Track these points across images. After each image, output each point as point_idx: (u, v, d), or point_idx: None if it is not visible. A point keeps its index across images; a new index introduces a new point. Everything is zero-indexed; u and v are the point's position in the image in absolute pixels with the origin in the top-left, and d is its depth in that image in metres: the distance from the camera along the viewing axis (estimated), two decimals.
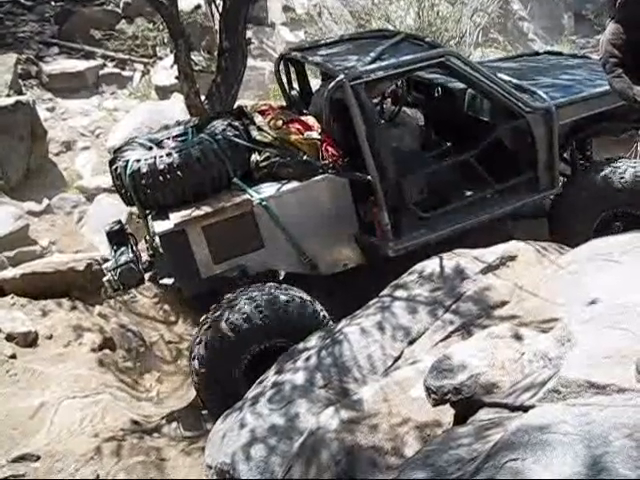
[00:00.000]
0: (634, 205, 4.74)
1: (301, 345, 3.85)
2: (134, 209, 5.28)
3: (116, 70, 10.05)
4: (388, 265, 4.57)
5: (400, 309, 3.71)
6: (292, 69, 5.53)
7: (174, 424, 4.43)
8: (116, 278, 4.58)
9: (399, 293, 3.86)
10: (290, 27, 10.74)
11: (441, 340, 3.47)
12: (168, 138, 4.84)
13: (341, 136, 4.70)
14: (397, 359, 3.45)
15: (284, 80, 5.56)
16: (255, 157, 4.61)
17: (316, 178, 4.57)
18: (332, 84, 4.52)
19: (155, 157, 4.45)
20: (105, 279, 4.66)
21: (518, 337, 2.89)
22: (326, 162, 4.59)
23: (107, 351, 4.97)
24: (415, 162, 4.80)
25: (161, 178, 4.39)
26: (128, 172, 4.45)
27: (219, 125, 4.70)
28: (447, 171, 4.85)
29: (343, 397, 3.28)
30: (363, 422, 2.92)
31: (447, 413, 2.81)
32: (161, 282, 4.83)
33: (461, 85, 5.08)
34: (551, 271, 3.82)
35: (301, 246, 4.59)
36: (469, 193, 4.93)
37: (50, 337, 4.90)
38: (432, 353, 3.32)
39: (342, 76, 4.47)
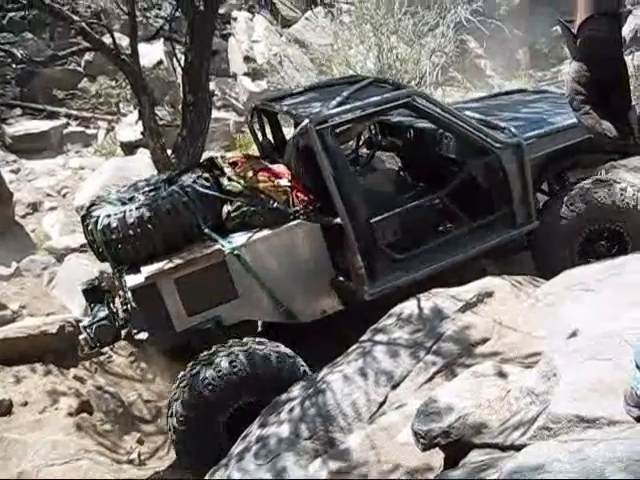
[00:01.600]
0: (614, 221, 4.71)
1: (284, 396, 3.79)
2: (107, 266, 5.21)
3: (80, 129, 10.05)
4: (368, 309, 4.51)
5: (381, 353, 3.67)
6: (265, 120, 5.55)
7: None
8: (92, 336, 4.50)
9: (379, 337, 3.82)
10: (252, 77, 10.83)
11: (425, 382, 3.43)
12: (139, 192, 4.80)
13: (311, 181, 4.70)
14: (382, 404, 3.39)
15: (257, 131, 5.59)
16: (227, 207, 4.59)
17: (287, 225, 4.54)
18: (297, 129, 4.54)
19: (125, 211, 4.42)
20: (81, 337, 4.57)
21: (502, 374, 2.87)
22: (297, 208, 4.58)
23: (84, 415, 4.86)
24: (387, 204, 4.77)
25: (131, 232, 4.36)
26: (99, 227, 4.42)
27: (189, 177, 4.68)
28: (421, 212, 4.82)
29: (330, 447, 3.21)
30: (352, 472, 2.88)
31: (437, 456, 2.77)
32: (136, 337, 4.75)
33: (432, 126, 5.11)
34: (528, 304, 3.82)
35: (276, 294, 4.54)
36: (445, 233, 4.91)
37: (25, 404, 4.79)
38: (417, 396, 3.28)
39: (307, 121, 4.49)
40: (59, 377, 5.13)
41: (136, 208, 4.44)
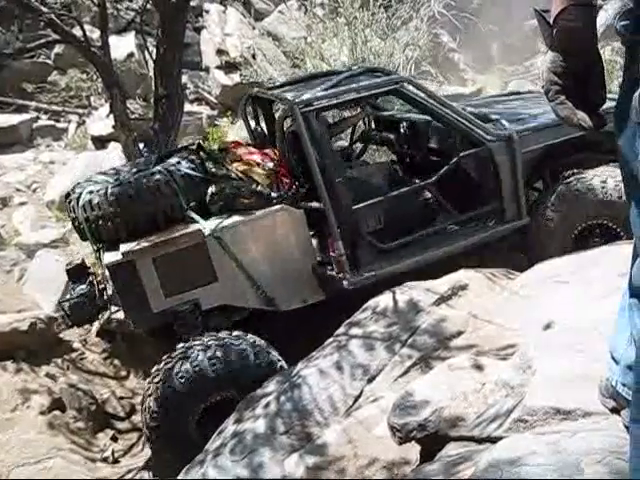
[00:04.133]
0: (601, 216, 4.60)
1: (259, 391, 3.76)
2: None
3: (50, 122, 9.92)
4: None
5: (357, 347, 3.65)
6: (259, 108, 5.50)
7: None
8: (68, 312, 4.45)
9: (354, 331, 3.81)
10: (225, 70, 10.76)
11: (400, 375, 3.42)
12: (125, 172, 4.72)
13: (298, 166, 4.66)
14: (358, 398, 3.38)
15: (250, 119, 5.56)
16: (211, 190, 4.52)
17: (270, 209, 4.48)
18: (282, 112, 4.50)
19: (107, 188, 4.35)
20: (58, 314, 4.51)
21: (478, 367, 2.86)
22: (280, 192, 4.53)
23: (57, 412, 4.80)
24: (374, 194, 4.67)
25: (112, 209, 4.30)
26: (80, 204, 4.36)
27: (174, 159, 4.63)
28: (407, 202, 4.75)
29: (307, 442, 3.19)
30: (329, 467, 2.86)
31: (414, 449, 2.76)
32: (113, 316, 4.69)
33: (425, 119, 5.05)
34: (503, 297, 3.83)
35: (256, 280, 4.48)
36: (432, 225, 4.80)
37: None
38: (393, 389, 3.27)
39: (292, 103, 4.44)
40: (30, 375, 5.06)
41: (118, 185, 4.37)
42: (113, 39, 7.56)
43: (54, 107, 10.12)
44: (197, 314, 4.37)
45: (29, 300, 6.10)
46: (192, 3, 8.39)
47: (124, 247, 4.27)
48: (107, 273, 4.36)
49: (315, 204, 4.51)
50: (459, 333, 3.56)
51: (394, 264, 4.57)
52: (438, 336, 3.54)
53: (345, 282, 4.46)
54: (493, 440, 2.27)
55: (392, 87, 4.64)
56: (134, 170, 4.68)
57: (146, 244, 4.26)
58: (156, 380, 4.04)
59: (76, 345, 5.59)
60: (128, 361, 5.52)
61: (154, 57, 6.12)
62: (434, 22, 9.83)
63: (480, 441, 2.37)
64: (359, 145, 5.95)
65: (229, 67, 10.70)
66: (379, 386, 3.42)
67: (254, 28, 11.72)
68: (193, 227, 4.37)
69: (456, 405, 2.59)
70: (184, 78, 8.48)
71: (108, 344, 5.63)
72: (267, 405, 3.55)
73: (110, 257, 4.28)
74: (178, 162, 4.56)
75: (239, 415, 3.67)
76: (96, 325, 5.60)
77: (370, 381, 3.46)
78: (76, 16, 7.79)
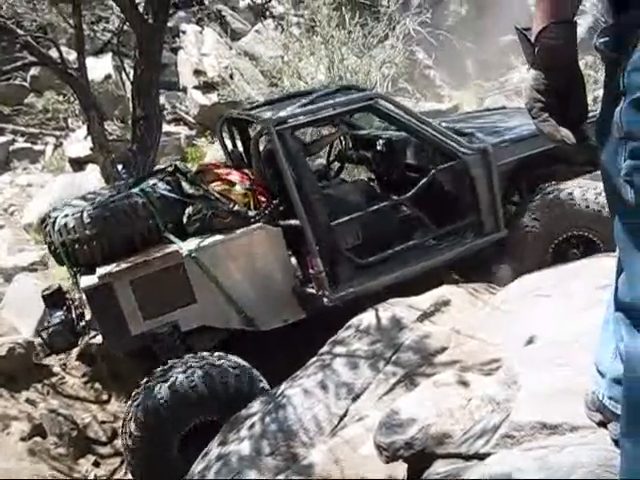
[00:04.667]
0: (580, 228, 4.59)
1: (244, 412, 3.72)
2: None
3: (27, 145, 9.86)
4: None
5: (341, 366, 3.63)
6: (235, 130, 5.51)
7: None
8: (47, 341, 4.39)
9: (338, 349, 3.79)
10: (202, 90, 10.76)
11: (385, 393, 3.40)
12: (101, 196, 4.68)
13: (274, 184, 4.65)
14: (343, 417, 3.36)
15: (226, 141, 5.56)
16: (188, 211, 4.50)
17: (247, 228, 4.46)
18: (257, 130, 4.50)
19: (82, 211, 4.32)
20: (37, 342, 4.45)
21: (463, 383, 2.85)
22: (257, 211, 4.51)
23: (38, 439, 4.71)
24: (351, 211, 4.67)
25: (87, 232, 4.26)
26: (56, 228, 4.32)
27: (151, 180, 4.61)
28: (385, 217, 4.75)
29: (292, 463, 3.16)
30: None
31: (401, 468, 2.74)
32: (91, 341, 4.63)
33: (401, 136, 5.07)
34: (485, 312, 3.84)
35: (235, 300, 4.44)
36: (410, 240, 4.78)
37: None
38: (378, 407, 3.25)
39: (266, 121, 4.45)
40: (10, 401, 4.97)
41: (94, 208, 4.34)
42: (90, 61, 7.55)
43: (31, 129, 10.06)
44: (176, 336, 4.33)
45: (7, 325, 6.02)
46: (169, 24, 8.39)
47: (101, 270, 4.22)
48: (84, 297, 4.31)
49: (293, 222, 4.50)
50: (443, 349, 3.55)
51: (373, 280, 4.56)
52: (422, 352, 3.54)
53: (325, 299, 4.44)
54: (481, 457, 2.27)
55: (366, 103, 4.64)
56: (111, 193, 4.65)
57: (123, 266, 4.22)
58: (136, 403, 3.98)
59: (56, 369, 5.51)
60: (109, 384, 5.44)
61: (131, 78, 6.12)
62: (410, 40, 9.92)
63: (468, 458, 2.35)
64: (336, 164, 5.97)
65: (207, 87, 10.72)
66: (364, 405, 3.40)
67: (231, 48, 11.75)
68: (171, 248, 4.34)
69: (442, 422, 2.58)
70: (162, 99, 8.49)
71: (88, 367, 5.55)
72: (252, 426, 3.51)
73: (87, 281, 4.23)
74: (154, 184, 4.53)
75: (223, 437, 3.63)
76: (76, 349, 5.53)
77: (355, 400, 3.44)
78: (52, 38, 7.76)
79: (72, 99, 9.60)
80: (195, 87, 10.90)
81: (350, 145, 5.78)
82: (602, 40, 1.59)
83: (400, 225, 4.90)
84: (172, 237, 4.39)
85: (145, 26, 5.85)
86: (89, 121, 5.95)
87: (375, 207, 4.68)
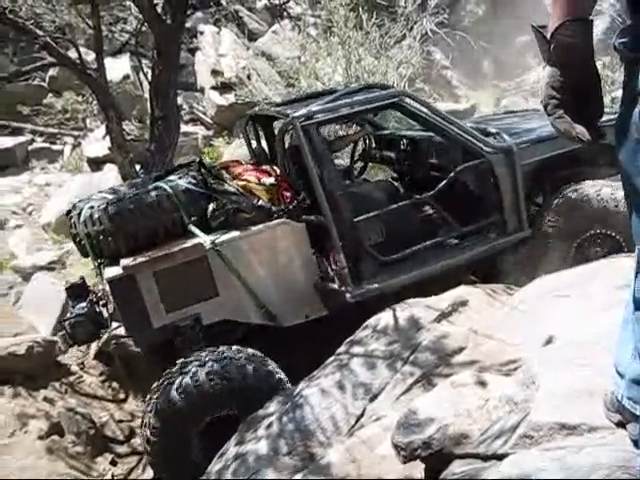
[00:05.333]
0: (600, 226, 4.58)
1: (261, 412, 3.73)
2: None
3: (46, 145, 9.95)
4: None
5: (358, 366, 3.63)
6: (260, 128, 5.51)
7: None
8: (69, 332, 4.41)
9: (356, 349, 3.78)
10: (220, 91, 10.81)
11: (402, 393, 3.39)
12: (126, 189, 4.71)
13: (299, 180, 4.66)
14: (360, 417, 3.35)
15: (251, 139, 5.57)
16: (212, 205, 4.51)
17: (271, 223, 4.47)
18: (282, 125, 4.51)
19: (107, 203, 4.34)
20: (59, 334, 4.47)
21: (481, 383, 2.84)
22: (281, 207, 4.51)
23: (55, 437, 4.74)
24: (373, 206, 4.67)
25: (113, 224, 4.28)
26: (81, 219, 4.35)
27: (176, 174, 4.63)
28: (408, 216, 4.75)
29: (310, 462, 3.16)
30: None
31: (418, 468, 2.73)
32: (114, 333, 4.65)
33: (425, 135, 5.05)
34: (503, 312, 3.82)
35: (257, 294, 4.45)
36: (435, 239, 4.75)
37: None
38: (395, 407, 3.24)
39: (291, 116, 4.45)
40: (28, 399, 5.01)
41: (119, 200, 4.36)
42: (108, 61, 7.59)
43: (50, 129, 10.15)
44: (198, 329, 4.34)
45: (26, 324, 6.07)
46: (186, 24, 8.43)
47: (124, 262, 4.24)
48: (107, 288, 4.33)
49: (316, 217, 4.49)
50: (460, 349, 3.54)
51: (396, 277, 4.54)
52: (439, 353, 3.52)
53: (348, 295, 4.43)
54: (499, 457, 2.25)
55: (392, 100, 4.64)
56: (134, 187, 4.67)
57: (147, 258, 4.23)
58: (156, 396, 3.99)
59: (74, 368, 5.55)
60: (126, 383, 5.48)
61: (149, 78, 6.15)
62: (427, 40, 9.92)
63: (486, 458, 2.34)
64: (360, 164, 5.97)
65: (224, 87, 10.75)
66: (381, 405, 3.39)
67: (248, 48, 11.79)
68: (194, 241, 4.34)
69: (460, 422, 2.57)
70: (179, 99, 8.52)
71: (106, 367, 5.59)
72: (269, 426, 3.52)
73: (110, 272, 4.25)
74: (179, 177, 4.56)
75: (241, 437, 3.64)
76: (94, 347, 5.56)
77: (372, 400, 3.44)
78: (71, 39, 7.81)
79: (90, 99, 9.67)
80: (212, 87, 10.94)
81: (373, 145, 5.78)
82: (621, 40, 1.59)
83: (423, 223, 4.88)
84: (196, 230, 4.40)
85: (163, 27, 5.88)
86: (107, 121, 5.99)
87: (399, 204, 4.68)
